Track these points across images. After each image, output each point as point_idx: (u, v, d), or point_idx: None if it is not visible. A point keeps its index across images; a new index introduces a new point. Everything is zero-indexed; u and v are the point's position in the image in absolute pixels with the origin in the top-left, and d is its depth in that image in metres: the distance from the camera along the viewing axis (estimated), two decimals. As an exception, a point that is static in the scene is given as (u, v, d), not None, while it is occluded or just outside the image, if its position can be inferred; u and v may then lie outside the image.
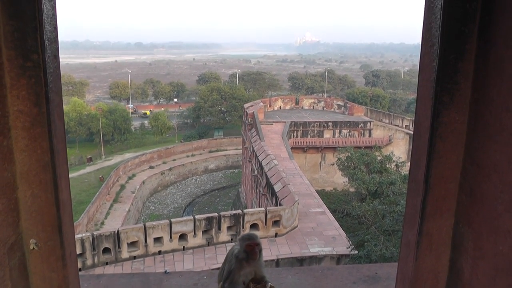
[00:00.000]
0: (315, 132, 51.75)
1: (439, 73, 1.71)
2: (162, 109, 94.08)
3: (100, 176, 50.51)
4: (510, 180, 1.55)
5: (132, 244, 22.48)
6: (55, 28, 1.68)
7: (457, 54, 1.70)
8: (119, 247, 22.04)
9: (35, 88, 1.59)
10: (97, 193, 42.97)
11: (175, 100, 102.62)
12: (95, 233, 22.42)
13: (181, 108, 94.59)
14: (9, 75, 1.55)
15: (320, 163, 50.78)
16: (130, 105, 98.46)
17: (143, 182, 52.91)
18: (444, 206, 1.85)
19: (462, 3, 1.67)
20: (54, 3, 1.66)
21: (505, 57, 1.53)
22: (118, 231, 22.29)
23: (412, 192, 1.95)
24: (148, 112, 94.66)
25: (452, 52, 1.70)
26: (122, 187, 49.42)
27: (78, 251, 20.58)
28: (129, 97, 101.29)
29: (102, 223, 39.97)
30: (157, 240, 22.84)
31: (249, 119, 45.75)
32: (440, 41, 1.70)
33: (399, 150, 50.21)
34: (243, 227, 23.85)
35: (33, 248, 1.68)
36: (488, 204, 1.66)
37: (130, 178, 52.72)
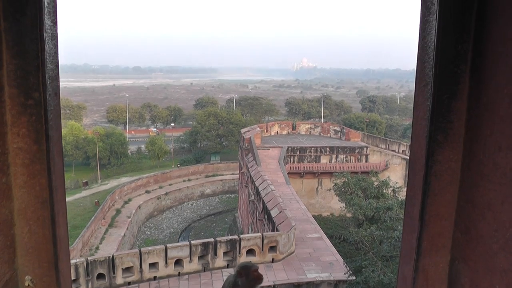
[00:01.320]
0: (312, 157, 51.77)
1: (433, 112, 1.74)
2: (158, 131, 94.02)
3: (96, 200, 50.18)
4: (504, 219, 1.56)
5: (127, 269, 22.23)
6: (57, 66, 1.70)
7: (450, 94, 1.73)
8: (113, 273, 21.77)
9: (35, 125, 1.60)
10: (93, 218, 42.63)
11: (172, 124, 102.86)
12: (89, 258, 22.18)
13: (152, 133, 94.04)
14: (10, 112, 1.57)
15: (317, 188, 50.67)
16: (154, 129, 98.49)
17: (139, 207, 52.59)
18: (440, 243, 1.86)
19: (454, 44, 1.71)
20: (57, 41, 1.70)
21: (497, 99, 1.56)
22: (113, 256, 22.06)
23: (408, 228, 1.96)
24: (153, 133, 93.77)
25: (445, 91, 1.73)
26: (118, 211, 49.07)
27: (72, 277, 20.34)
28: (126, 121, 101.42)
29: (97, 248, 39.55)
30: (153, 265, 22.61)
31: (246, 144, 45.79)
32: (433, 80, 1.73)
33: (396, 175, 50.19)
34: (239, 253, 23.65)
35: (28, 285, 1.67)
36: (483, 242, 1.67)
37: (126, 202, 52.41)
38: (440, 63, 1.72)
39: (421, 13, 1.82)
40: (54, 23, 1.68)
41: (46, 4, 1.62)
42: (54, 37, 1.68)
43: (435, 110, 1.74)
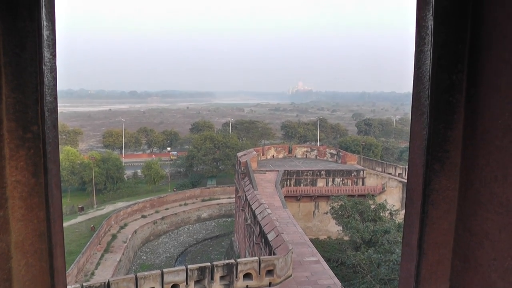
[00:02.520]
0: (308, 180, 51.73)
1: (429, 141, 1.75)
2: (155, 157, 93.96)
3: (92, 225, 49.84)
4: (503, 248, 1.56)
5: (123, 296, 21.92)
6: (55, 98, 1.71)
7: (446, 123, 1.74)
8: (109, 300, 21.46)
9: (33, 158, 1.60)
10: (88, 243, 42.28)
11: (168, 149, 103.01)
12: (84, 284, 21.88)
13: (172, 157, 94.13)
14: (8, 146, 1.56)
15: (314, 211, 50.52)
16: (174, 152, 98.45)
17: (135, 232, 52.24)
18: (438, 271, 1.85)
19: (449, 74, 1.73)
20: (55, 74, 1.70)
21: (492, 129, 1.58)
22: (108, 282, 21.77)
23: (406, 256, 1.95)
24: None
25: (441, 121, 1.74)
26: (114, 236, 48.70)
27: (67, 305, 20.02)
28: (122, 146, 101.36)
29: (93, 274, 39.10)
30: (149, 292, 22.30)
31: (242, 168, 45.75)
32: (429, 110, 1.75)
33: (393, 198, 50.18)
34: (236, 277, 23.43)
35: (26, 319, 1.65)
36: (482, 271, 1.67)
37: (122, 227, 52.06)
38: (436, 92, 1.73)
39: (416, 43, 1.84)
40: (53, 55, 1.69)
41: (45, 37, 1.63)
42: (53, 70, 1.69)
43: (431, 139, 1.75)
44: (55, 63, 1.71)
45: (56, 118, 1.71)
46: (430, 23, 1.73)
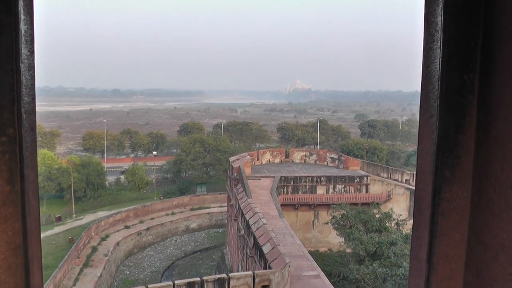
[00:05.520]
0: (307, 187, 51.75)
1: (439, 146, 1.76)
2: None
3: (70, 237, 49.66)
4: (519, 262, 1.57)
5: (104, 314, 21.86)
6: (33, 98, 1.70)
7: (457, 127, 1.75)
8: (89, 319, 21.39)
9: (8, 164, 1.58)
10: (66, 257, 42.08)
11: (154, 152, 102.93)
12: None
13: (155, 163, 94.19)
14: None
15: (313, 221, 50.53)
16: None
17: (118, 244, 52.06)
18: (449, 287, 1.86)
19: (460, 73, 1.74)
20: (33, 72, 1.69)
21: (506, 132, 1.59)
22: (88, 300, 21.71)
23: (415, 271, 1.96)
24: None
25: (451, 124, 1.75)
26: (94, 249, 48.53)
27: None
28: (104, 149, 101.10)
29: (71, 290, 38.95)
30: (132, 310, 22.26)
31: (235, 174, 45.74)
32: (438, 112, 1.75)
33: (399, 207, 50.28)
34: (228, 294, 23.40)
35: None
36: (497, 286, 1.67)
37: (103, 239, 51.90)
38: (446, 93, 1.74)
39: (424, 40, 1.85)
40: (31, 52, 1.68)
41: (23, 32, 1.62)
42: (31, 67, 1.68)
43: (441, 144, 1.75)
44: (33, 60, 1.70)
45: (34, 120, 1.70)
46: (439, 19, 1.74)
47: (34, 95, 1.71)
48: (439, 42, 1.75)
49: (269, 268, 25.14)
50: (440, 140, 1.76)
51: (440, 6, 1.73)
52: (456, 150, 1.76)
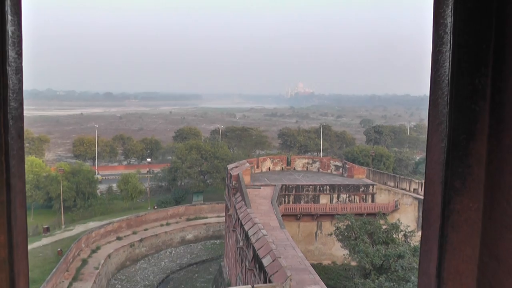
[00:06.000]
0: (310, 197, 51.71)
1: (449, 155, 1.75)
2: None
3: (59, 249, 49.57)
4: (536, 279, 1.57)
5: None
6: (21, 103, 1.70)
7: (468, 134, 1.74)
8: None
9: None
10: (54, 270, 41.97)
11: (148, 159, 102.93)
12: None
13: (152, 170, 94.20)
14: None
15: (316, 232, 50.48)
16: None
17: (109, 256, 51.98)
18: (460, 304, 1.85)
19: (471, 78, 1.74)
20: (21, 76, 1.69)
21: (521, 141, 1.59)
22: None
23: (423, 287, 1.96)
24: None
25: (462, 131, 1.74)
26: (84, 262, 48.44)
27: None
28: (95, 156, 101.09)
29: (59, 306, 38.85)
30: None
31: (234, 182, 45.72)
32: (448, 119, 1.75)
33: (407, 218, 50.20)
34: (226, 310, 23.37)
35: None
36: (511, 303, 1.67)
37: (93, 251, 51.82)
38: (456, 99, 1.74)
39: (433, 43, 1.85)
40: (19, 54, 1.68)
41: (10, 33, 1.62)
42: (19, 71, 1.68)
43: (451, 152, 1.75)
44: (21, 63, 1.69)
45: (22, 127, 1.70)
46: (449, 20, 1.74)
47: (22, 100, 1.71)
48: (449, 44, 1.75)
49: (269, 282, 25.09)
50: (450, 148, 1.75)
51: (450, 7, 1.72)
52: (467, 159, 1.75)
